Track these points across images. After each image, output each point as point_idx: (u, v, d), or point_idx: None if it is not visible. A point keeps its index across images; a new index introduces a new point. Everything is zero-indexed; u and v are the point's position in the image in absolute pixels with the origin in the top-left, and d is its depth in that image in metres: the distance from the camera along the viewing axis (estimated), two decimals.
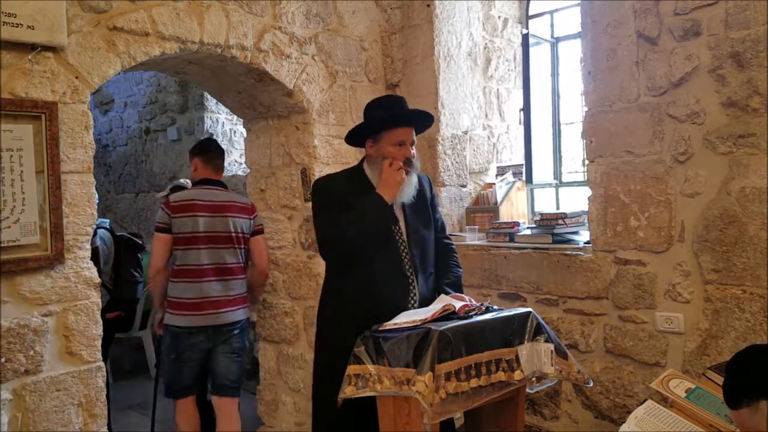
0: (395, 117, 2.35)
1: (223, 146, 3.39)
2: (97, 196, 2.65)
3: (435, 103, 3.53)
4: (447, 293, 2.38)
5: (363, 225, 2.23)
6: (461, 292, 2.44)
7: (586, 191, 2.92)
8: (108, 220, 4.38)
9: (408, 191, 2.35)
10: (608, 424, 2.82)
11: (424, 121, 2.47)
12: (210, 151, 3.22)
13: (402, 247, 2.35)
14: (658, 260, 2.65)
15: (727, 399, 1.52)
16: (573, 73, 3.67)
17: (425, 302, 2.34)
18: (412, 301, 2.32)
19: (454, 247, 2.62)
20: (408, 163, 2.32)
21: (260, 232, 3.21)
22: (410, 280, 2.34)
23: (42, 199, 2.26)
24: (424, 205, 2.47)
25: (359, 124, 2.45)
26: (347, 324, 2.25)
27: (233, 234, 3.06)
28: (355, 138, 2.45)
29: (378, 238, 2.28)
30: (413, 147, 2.36)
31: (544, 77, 3.79)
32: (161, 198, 3.62)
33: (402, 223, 2.38)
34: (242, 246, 3.11)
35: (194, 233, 2.99)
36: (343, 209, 2.26)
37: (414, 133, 2.37)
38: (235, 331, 3.09)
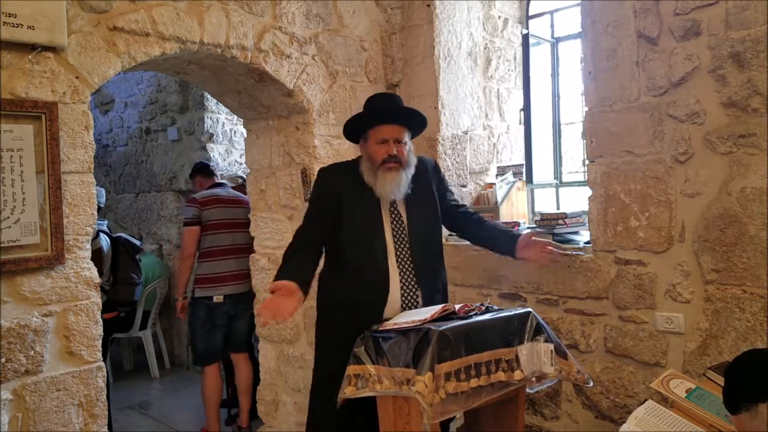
0: (376, 114, 2.32)
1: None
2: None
3: (435, 103, 3.52)
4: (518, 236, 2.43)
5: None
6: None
7: (586, 191, 2.92)
8: (106, 222, 4.36)
9: (401, 189, 2.32)
10: (608, 424, 2.82)
11: (415, 120, 2.43)
12: (206, 168, 4.18)
13: (403, 245, 2.34)
14: (659, 260, 2.65)
15: (726, 404, 1.52)
16: (573, 73, 3.66)
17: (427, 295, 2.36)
18: (414, 297, 2.33)
19: (482, 216, 2.63)
20: (394, 159, 2.28)
21: None
22: (411, 278, 2.34)
23: (42, 199, 2.26)
24: (428, 194, 2.44)
25: (352, 117, 2.45)
26: (340, 317, 2.31)
27: (244, 220, 3.76)
28: (353, 135, 2.47)
29: None
30: (404, 145, 2.32)
31: (545, 77, 3.79)
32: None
33: (404, 219, 2.36)
34: (247, 230, 3.74)
35: (218, 221, 3.75)
36: (328, 209, 2.33)
37: (403, 132, 2.33)
38: (249, 299, 3.76)
